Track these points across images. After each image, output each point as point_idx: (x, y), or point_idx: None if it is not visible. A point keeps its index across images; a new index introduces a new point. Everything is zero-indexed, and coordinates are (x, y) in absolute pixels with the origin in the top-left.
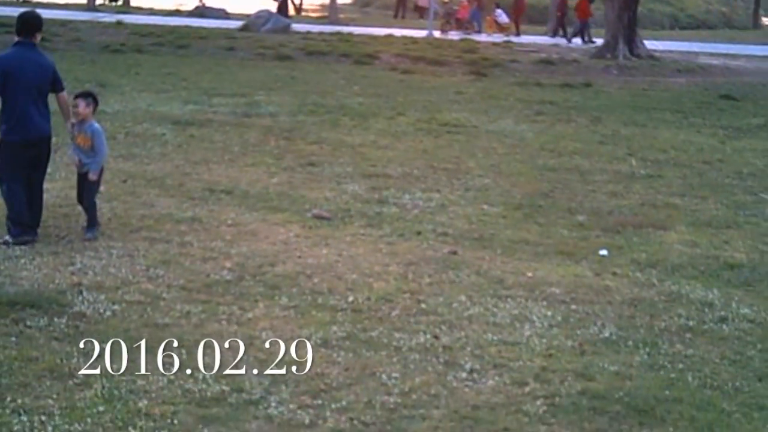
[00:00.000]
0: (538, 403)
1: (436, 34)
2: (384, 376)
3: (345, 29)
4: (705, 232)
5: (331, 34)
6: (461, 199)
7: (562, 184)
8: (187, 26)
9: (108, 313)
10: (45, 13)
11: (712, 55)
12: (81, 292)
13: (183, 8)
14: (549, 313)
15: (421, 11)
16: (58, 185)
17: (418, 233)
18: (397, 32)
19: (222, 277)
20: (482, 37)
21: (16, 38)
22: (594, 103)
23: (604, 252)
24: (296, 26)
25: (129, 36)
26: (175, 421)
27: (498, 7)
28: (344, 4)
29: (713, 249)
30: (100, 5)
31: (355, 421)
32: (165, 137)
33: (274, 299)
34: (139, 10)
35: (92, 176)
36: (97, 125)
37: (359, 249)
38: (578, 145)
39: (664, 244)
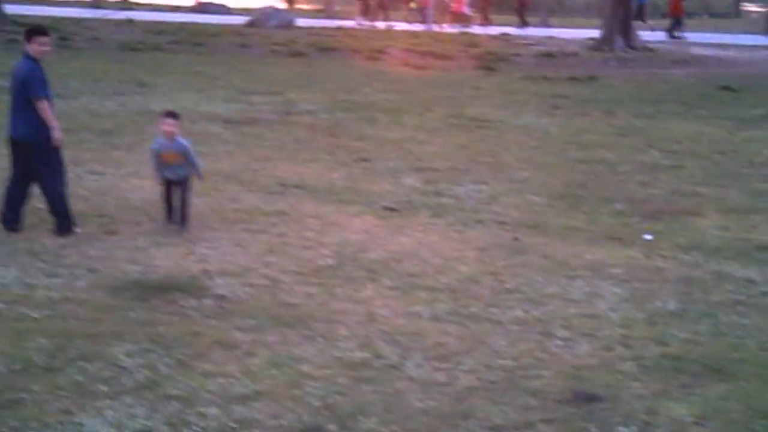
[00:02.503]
0: (628, 364)
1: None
2: (493, 344)
3: (345, 23)
4: (733, 218)
5: (335, 29)
6: (508, 191)
7: (595, 175)
8: (194, 23)
9: (244, 295)
10: (54, 11)
11: (702, 45)
12: (212, 278)
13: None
14: (617, 291)
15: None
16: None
17: (480, 222)
18: (395, 26)
19: (326, 263)
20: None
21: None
22: (603, 96)
23: (648, 237)
24: (299, 21)
25: (143, 34)
26: (338, 381)
27: None
28: None
29: (743, 233)
30: (102, 1)
31: (483, 380)
32: (223, 136)
33: (377, 281)
34: (140, 6)
35: (201, 178)
36: (183, 140)
37: (433, 237)
38: (600, 138)
39: (699, 228)
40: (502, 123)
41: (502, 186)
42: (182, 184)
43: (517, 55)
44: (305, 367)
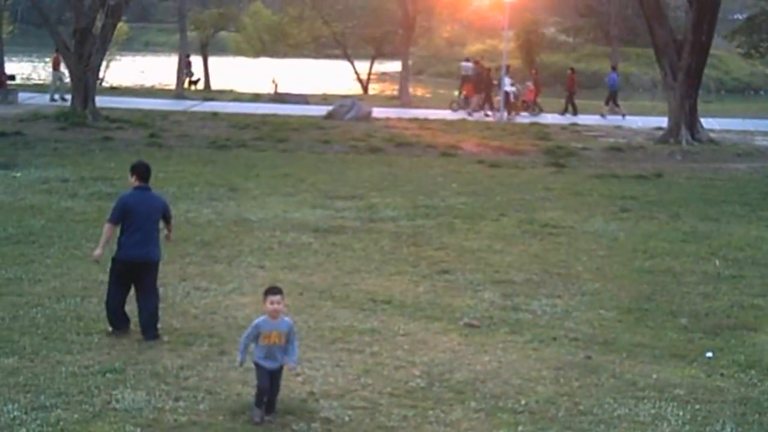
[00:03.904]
0: None
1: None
2: None
3: (420, 113)
4: None
5: (409, 120)
6: (580, 305)
7: (660, 286)
8: (274, 115)
9: (346, 418)
10: (141, 103)
11: (766, 134)
12: (317, 400)
13: (261, 91)
14: (680, 413)
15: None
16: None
17: (554, 339)
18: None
19: (417, 384)
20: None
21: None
22: (669, 196)
23: (709, 354)
24: (375, 111)
25: (229, 129)
26: None
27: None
28: (396, 72)
29: None
30: (185, 89)
31: None
32: (312, 246)
33: (464, 403)
34: (221, 94)
35: (294, 367)
36: (289, 320)
37: (512, 355)
38: (665, 245)
39: (757, 344)
40: (572, 229)
41: (574, 300)
42: (279, 372)
43: (586, 149)
44: None
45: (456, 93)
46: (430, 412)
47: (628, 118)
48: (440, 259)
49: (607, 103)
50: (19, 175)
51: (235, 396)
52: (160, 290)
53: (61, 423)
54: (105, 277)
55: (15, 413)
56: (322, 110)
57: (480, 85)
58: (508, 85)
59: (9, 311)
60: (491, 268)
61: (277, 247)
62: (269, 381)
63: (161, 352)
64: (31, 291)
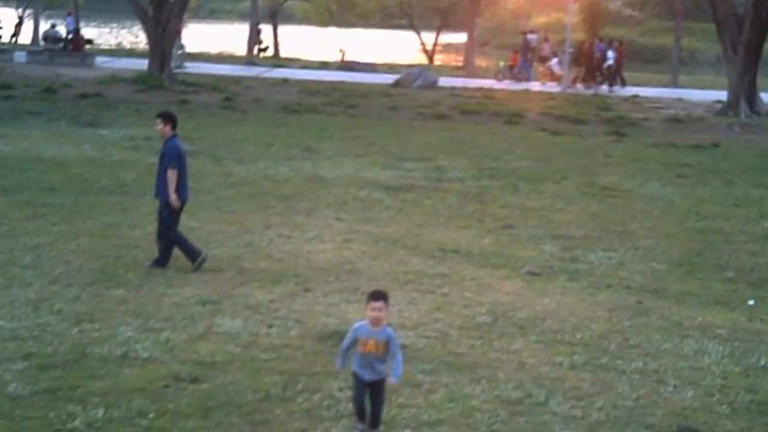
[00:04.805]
0: (723, 407)
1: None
2: (618, 389)
3: (484, 83)
4: None
5: (475, 89)
6: (634, 258)
7: (710, 244)
8: (343, 82)
9: (421, 345)
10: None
11: None
12: (394, 330)
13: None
14: (720, 348)
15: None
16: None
17: (609, 286)
18: (532, 87)
19: (483, 320)
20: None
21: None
22: (724, 165)
23: (751, 302)
24: (441, 80)
25: (300, 95)
26: (499, 413)
27: (555, 56)
28: (460, 43)
29: None
30: (255, 56)
31: (610, 416)
32: (385, 202)
33: (526, 336)
34: (290, 62)
35: (396, 382)
36: (391, 330)
37: (569, 299)
38: (717, 208)
39: None
40: (630, 192)
41: (628, 254)
42: (379, 384)
43: (647, 119)
44: (474, 402)
45: (501, 63)
46: (495, 342)
47: (688, 91)
48: (504, 215)
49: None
50: (105, 133)
51: (321, 325)
52: (246, 237)
53: (171, 342)
54: (195, 223)
55: (129, 333)
56: (389, 78)
57: (579, 58)
58: (611, 59)
59: (113, 251)
60: (552, 225)
61: (351, 202)
62: (363, 392)
63: (252, 289)
64: (130, 234)
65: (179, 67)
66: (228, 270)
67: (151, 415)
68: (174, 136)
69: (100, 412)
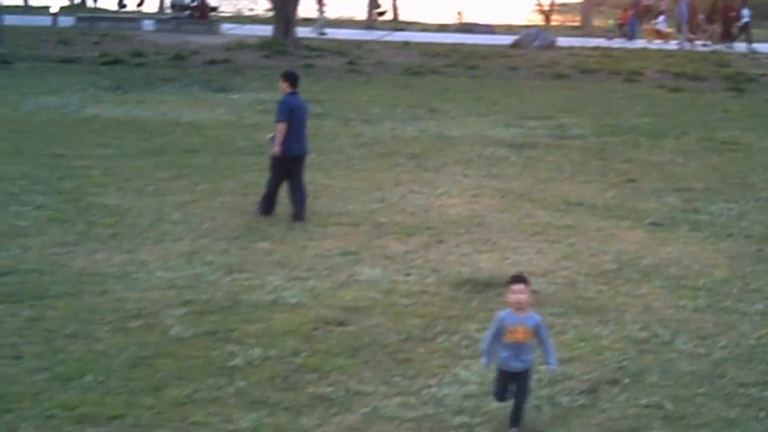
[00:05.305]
0: None
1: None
2: (740, 329)
3: (602, 42)
4: None
5: (593, 48)
6: (754, 209)
7: None
8: (462, 43)
9: (551, 290)
10: (334, 33)
11: None
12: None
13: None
14: None
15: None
16: (460, 200)
17: (730, 235)
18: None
19: (609, 267)
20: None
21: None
22: None
23: None
24: (559, 40)
25: (421, 57)
26: (627, 351)
27: (661, 14)
28: (576, 3)
29: None
30: (374, 20)
31: (733, 353)
32: (509, 158)
33: (651, 282)
34: (409, 25)
35: (553, 370)
36: (538, 316)
37: (692, 247)
38: None
39: None
40: (749, 146)
41: (749, 205)
42: (525, 375)
43: (765, 75)
44: (603, 342)
45: (610, 22)
46: (621, 288)
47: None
48: (626, 170)
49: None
50: (236, 97)
51: (455, 273)
52: (378, 193)
53: (316, 290)
54: (329, 181)
55: (277, 282)
56: (507, 39)
57: (713, 15)
58: (747, 16)
59: (255, 208)
60: (673, 178)
61: (477, 159)
62: (507, 387)
63: (388, 241)
64: None
65: (322, 33)
66: (364, 224)
67: (304, 354)
68: (291, 93)
69: (258, 352)
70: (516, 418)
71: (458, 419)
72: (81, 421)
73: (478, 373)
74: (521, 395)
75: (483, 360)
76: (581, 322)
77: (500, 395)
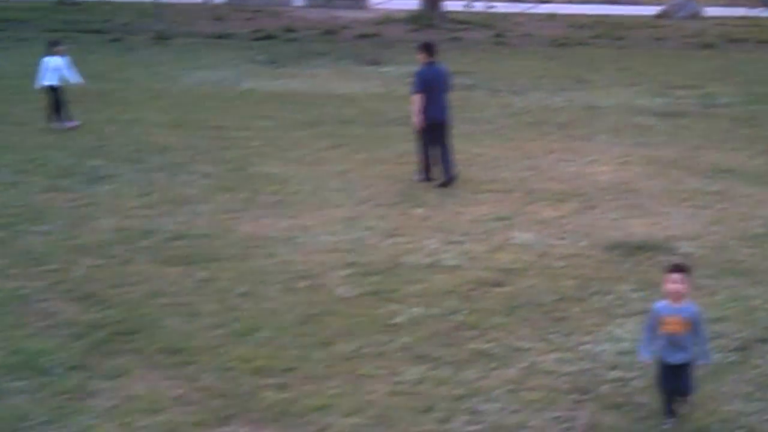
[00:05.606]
0: None
1: None
2: None
3: (749, 12)
4: None
5: (739, 18)
6: None
7: None
8: (607, 15)
9: (702, 253)
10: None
11: None
12: (678, 240)
13: None
14: None
15: None
16: (608, 167)
17: None
18: None
19: (759, 231)
20: None
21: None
22: None
23: None
24: (706, 10)
25: (566, 29)
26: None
27: None
28: None
29: None
30: None
31: None
32: (657, 127)
33: None
34: None
35: (706, 361)
36: (695, 307)
37: None
38: None
39: None
40: None
41: None
42: (687, 369)
43: None
44: (755, 302)
45: None
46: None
47: None
48: None
49: None
50: (386, 70)
51: (607, 237)
52: (529, 161)
53: (472, 252)
54: (480, 150)
55: (434, 245)
56: (652, 10)
57: None
58: None
59: (410, 176)
60: None
61: (625, 128)
62: (670, 379)
63: (540, 207)
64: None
65: (468, 5)
66: (516, 190)
67: (464, 312)
68: (428, 63)
69: (419, 310)
70: (670, 410)
71: (613, 373)
72: (257, 373)
73: (632, 331)
74: (685, 390)
75: (642, 355)
76: (732, 284)
77: (666, 386)
